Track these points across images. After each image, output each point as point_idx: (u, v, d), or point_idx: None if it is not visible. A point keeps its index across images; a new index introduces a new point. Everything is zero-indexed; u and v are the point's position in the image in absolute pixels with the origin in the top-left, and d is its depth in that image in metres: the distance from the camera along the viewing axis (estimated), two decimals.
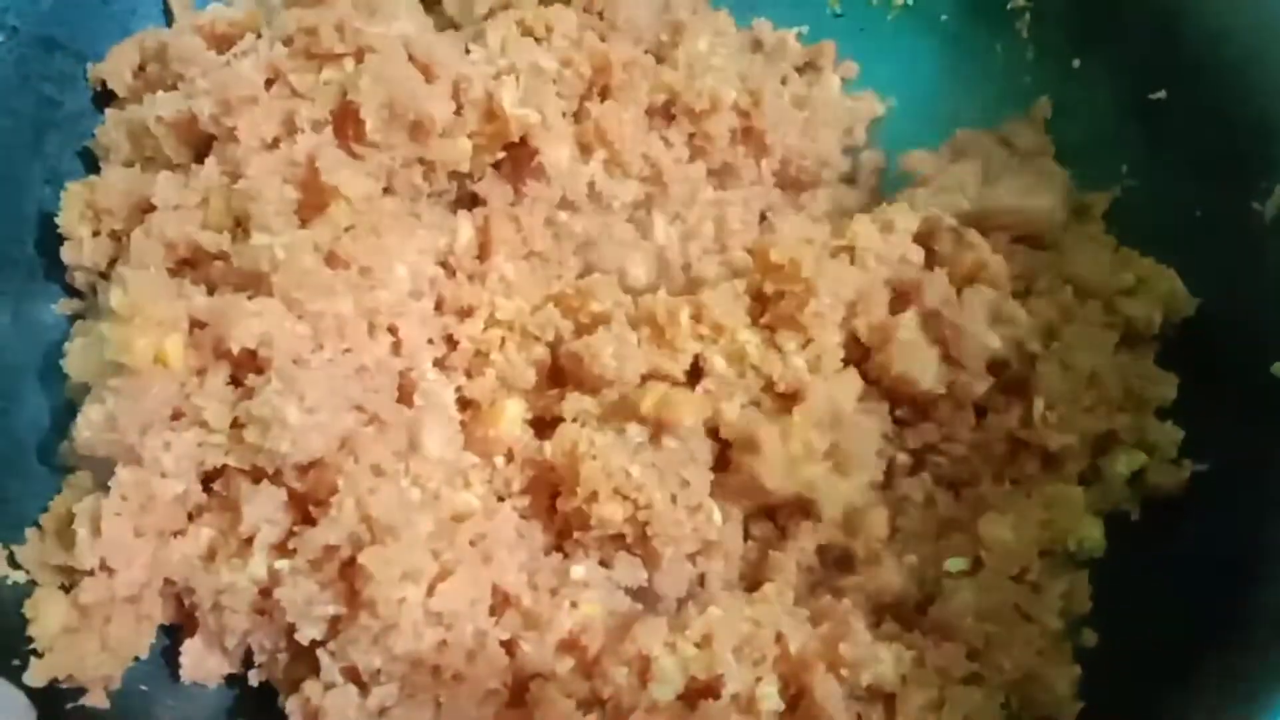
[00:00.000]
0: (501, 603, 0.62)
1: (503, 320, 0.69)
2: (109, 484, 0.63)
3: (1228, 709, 0.55)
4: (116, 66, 0.74)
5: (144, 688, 0.66)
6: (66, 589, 0.64)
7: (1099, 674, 0.62)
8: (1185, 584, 0.63)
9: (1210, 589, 0.62)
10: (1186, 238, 0.70)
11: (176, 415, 0.63)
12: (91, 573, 0.62)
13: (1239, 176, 0.68)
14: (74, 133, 0.74)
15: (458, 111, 0.68)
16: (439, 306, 0.69)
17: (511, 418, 0.67)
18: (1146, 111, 0.73)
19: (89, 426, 0.62)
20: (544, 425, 0.68)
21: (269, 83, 0.68)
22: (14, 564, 0.64)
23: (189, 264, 0.68)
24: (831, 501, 0.65)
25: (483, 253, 0.71)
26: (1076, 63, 0.78)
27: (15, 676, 0.60)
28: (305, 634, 0.61)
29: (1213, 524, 0.64)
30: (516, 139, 0.70)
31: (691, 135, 0.75)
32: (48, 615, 0.62)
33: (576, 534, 0.64)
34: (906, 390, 0.67)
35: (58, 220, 0.70)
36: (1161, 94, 0.73)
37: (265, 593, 0.62)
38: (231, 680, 0.67)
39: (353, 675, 0.61)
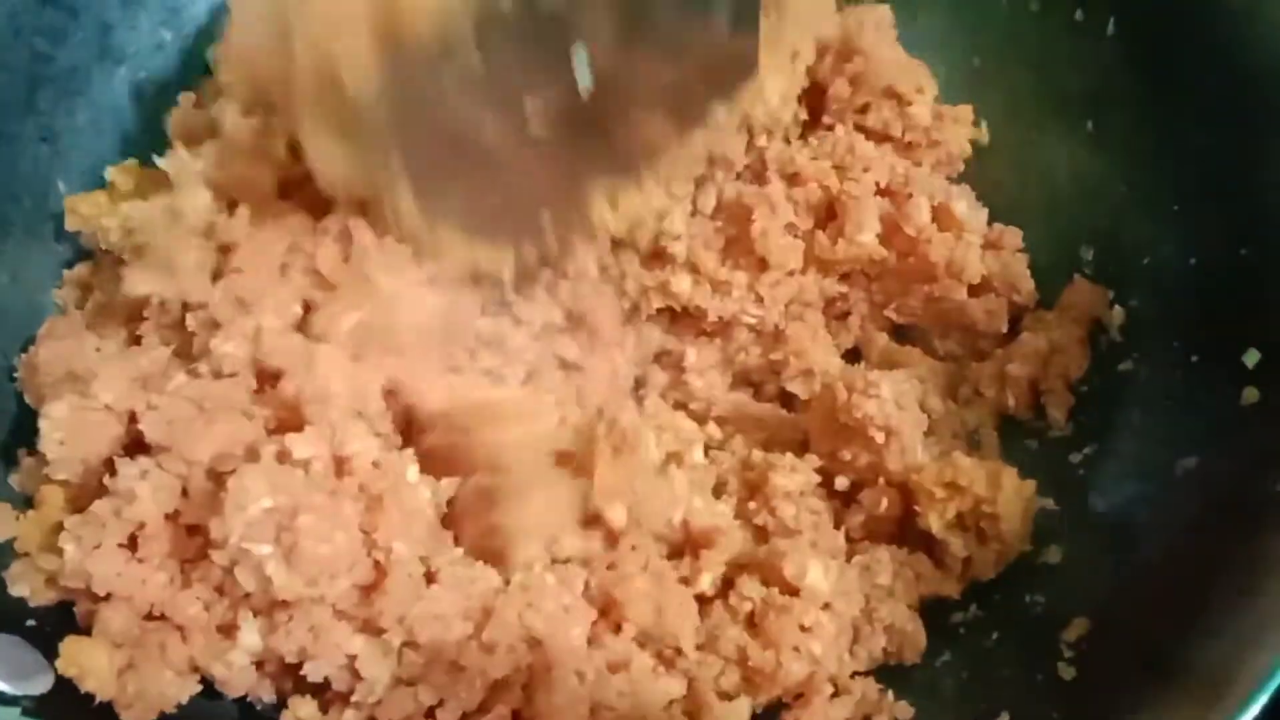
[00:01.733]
0: None
1: None
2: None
3: (1238, 654, 0.55)
4: None
5: None
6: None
7: (1109, 625, 0.63)
8: (1195, 533, 0.63)
9: (1220, 537, 0.61)
10: (1194, 189, 0.70)
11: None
12: (106, 598, 0.60)
13: (1248, 127, 0.67)
14: (67, 88, 0.73)
15: None
16: None
17: None
18: (1150, 63, 0.73)
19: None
20: None
21: None
22: None
23: None
24: None
25: None
26: (1079, 14, 0.77)
27: (31, 637, 0.59)
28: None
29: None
30: None
31: None
32: (93, 664, 0.59)
33: None
34: None
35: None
36: (1166, 45, 0.72)
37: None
38: None
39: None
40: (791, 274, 0.74)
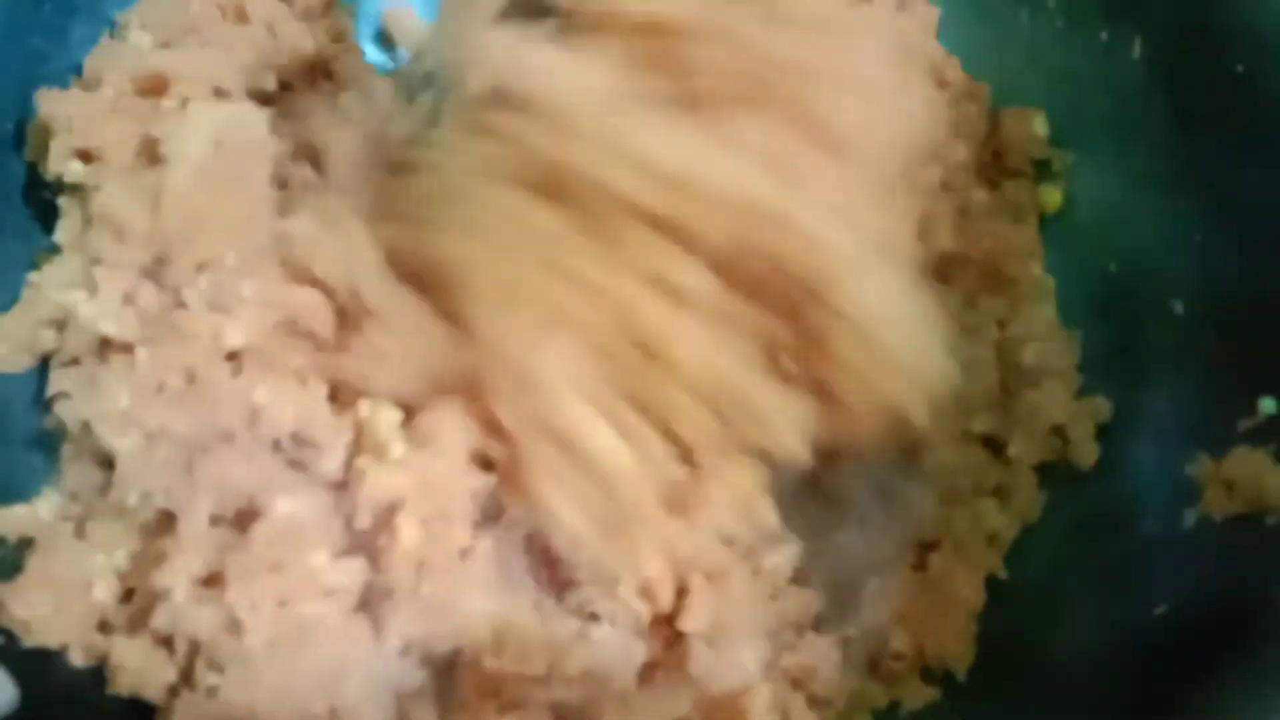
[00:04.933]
0: None
1: None
2: None
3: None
4: None
5: None
6: None
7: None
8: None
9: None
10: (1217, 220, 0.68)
11: None
12: None
13: (1270, 153, 0.65)
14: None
15: None
16: None
17: None
18: (1176, 88, 0.71)
19: None
20: None
21: None
22: None
23: None
24: None
25: None
26: (1105, 35, 0.74)
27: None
28: None
29: None
30: None
31: None
32: None
33: None
34: None
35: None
36: (1193, 67, 0.70)
37: None
38: None
39: None
40: None
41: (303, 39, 0.73)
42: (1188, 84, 0.70)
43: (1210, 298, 0.68)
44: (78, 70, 0.71)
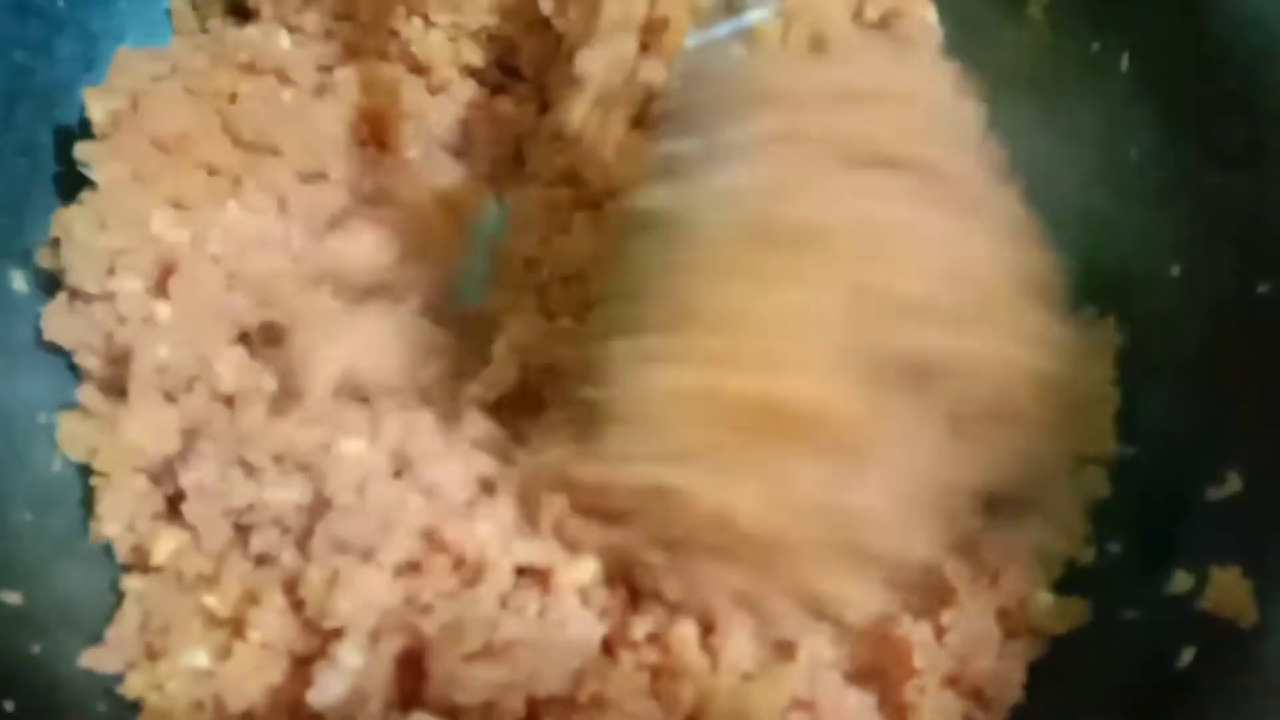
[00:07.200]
0: None
1: None
2: None
3: None
4: None
5: None
6: None
7: None
8: None
9: None
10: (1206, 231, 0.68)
11: None
12: None
13: (1259, 167, 0.65)
14: (47, 102, 0.72)
15: None
16: None
17: None
18: (1165, 98, 0.70)
19: None
20: None
21: None
22: None
23: None
24: None
25: None
26: (1095, 46, 0.74)
27: None
28: None
29: None
30: None
31: None
32: None
33: None
34: None
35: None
36: (1182, 80, 0.69)
37: None
38: None
39: None
40: None
41: None
42: (1176, 96, 0.70)
43: (1199, 307, 0.68)
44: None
